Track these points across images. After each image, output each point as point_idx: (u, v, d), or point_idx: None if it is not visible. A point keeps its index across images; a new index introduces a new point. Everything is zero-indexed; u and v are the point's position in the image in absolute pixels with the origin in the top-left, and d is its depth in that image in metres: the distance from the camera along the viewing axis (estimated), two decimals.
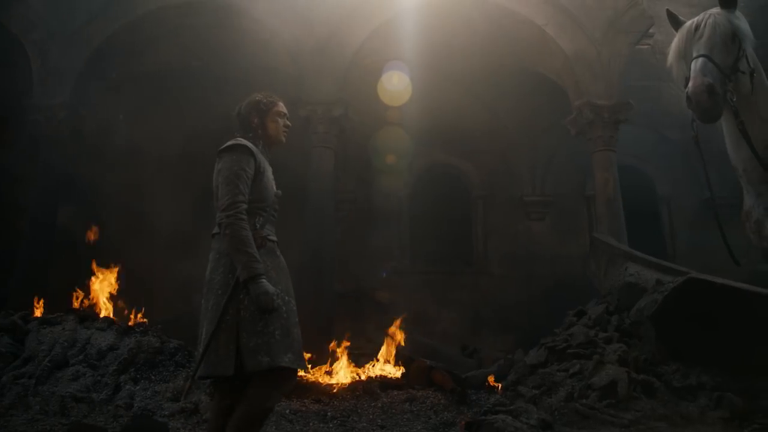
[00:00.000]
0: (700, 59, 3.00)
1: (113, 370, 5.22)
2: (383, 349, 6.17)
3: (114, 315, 6.43)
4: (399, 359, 5.89)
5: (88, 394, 4.96)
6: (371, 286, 9.77)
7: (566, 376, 5.09)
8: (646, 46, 10.22)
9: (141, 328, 5.80)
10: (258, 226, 2.60)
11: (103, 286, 6.70)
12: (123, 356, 5.35)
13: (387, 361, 6.00)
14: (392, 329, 6.57)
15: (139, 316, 6.33)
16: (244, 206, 2.53)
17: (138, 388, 5.10)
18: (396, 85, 8.94)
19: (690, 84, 2.97)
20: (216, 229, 2.58)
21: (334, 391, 5.14)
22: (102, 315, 6.16)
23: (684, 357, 5.32)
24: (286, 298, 2.58)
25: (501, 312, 9.76)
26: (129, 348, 5.44)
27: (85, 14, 7.92)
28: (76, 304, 6.51)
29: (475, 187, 10.84)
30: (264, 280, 2.44)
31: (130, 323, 6.03)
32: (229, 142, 2.68)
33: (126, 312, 6.61)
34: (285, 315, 2.53)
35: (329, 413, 4.83)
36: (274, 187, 2.77)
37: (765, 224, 3.37)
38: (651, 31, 10.38)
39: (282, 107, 2.88)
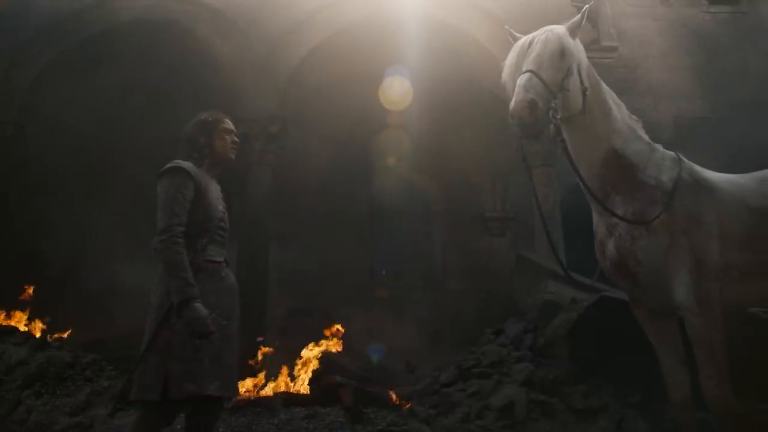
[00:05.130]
0: (526, 74, 2.98)
1: (17, 385, 5.25)
2: (300, 363, 6.11)
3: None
4: (314, 374, 5.84)
5: None
6: (327, 301, 9.71)
7: (465, 396, 4.99)
8: (609, 60, 10.21)
9: (57, 343, 5.85)
10: (199, 248, 2.58)
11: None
12: (31, 371, 5.39)
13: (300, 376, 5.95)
14: (316, 345, 6.49)
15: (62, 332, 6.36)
16: (180, 229, 2.51)
17: (39, 402, 5.12)
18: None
19: (513, 99, 2.95)
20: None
21: (231, 406, 5.10)
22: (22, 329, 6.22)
23: (597, 377, 5.20)
24: (224, 322, 2.55)
25: (459, 327, 9.61)
26: (39, 363, 5.48)
27: (34, 32, 8.00)
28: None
29: (435, 202, 10.79)
30: (198, 304, 2.41)
31: (50, 338, 6.07)
32: (167, 165, 2.68)
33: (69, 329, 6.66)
34: (217, 341, 2.50)
35: (220, 429, 4.80)
36: (221, 207, 2.76)
37: (608, 245, 3.30)
38: (615, 44, 10.37)
39: (229, 124, 2.92)
